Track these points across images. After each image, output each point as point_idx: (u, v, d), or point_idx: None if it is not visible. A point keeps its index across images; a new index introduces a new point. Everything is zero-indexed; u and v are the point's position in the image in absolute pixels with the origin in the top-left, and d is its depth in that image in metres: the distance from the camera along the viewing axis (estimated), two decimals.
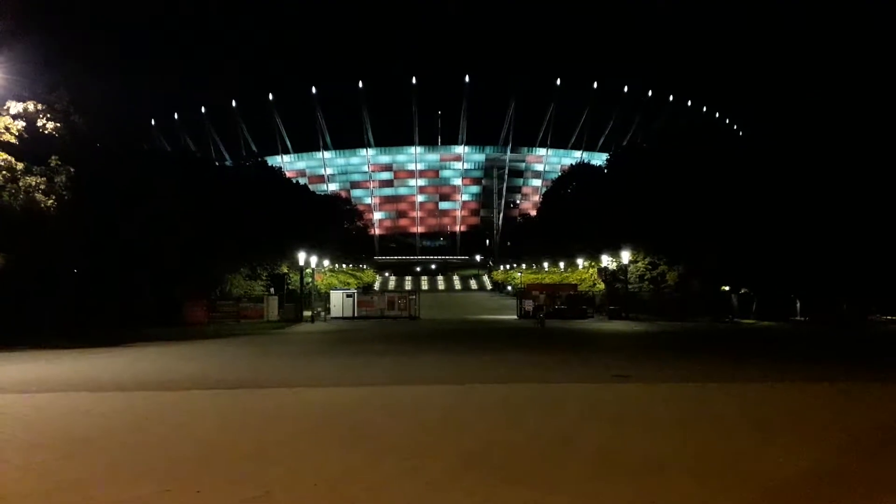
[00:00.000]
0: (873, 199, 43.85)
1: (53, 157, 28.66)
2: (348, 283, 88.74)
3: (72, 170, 28.96)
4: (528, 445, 9.16)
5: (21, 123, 26.29)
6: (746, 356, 24.33)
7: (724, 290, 53.91)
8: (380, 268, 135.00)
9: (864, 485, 7.12)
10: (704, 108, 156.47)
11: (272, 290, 56.49)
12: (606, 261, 60.37)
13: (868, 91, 53.86)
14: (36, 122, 26.90)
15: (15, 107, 26.01)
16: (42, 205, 27.44)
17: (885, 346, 30.31)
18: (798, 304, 52.04)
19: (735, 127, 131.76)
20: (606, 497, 6.67)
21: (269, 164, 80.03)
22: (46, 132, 27.17)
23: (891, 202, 42.88)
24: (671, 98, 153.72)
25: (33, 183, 27.28)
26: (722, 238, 47.89)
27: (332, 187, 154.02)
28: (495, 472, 7.54)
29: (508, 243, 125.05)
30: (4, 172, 26.79)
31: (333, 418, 11.33)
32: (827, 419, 11.20)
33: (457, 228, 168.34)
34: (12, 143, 26.32)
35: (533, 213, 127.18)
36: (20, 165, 27.11)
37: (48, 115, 27.26)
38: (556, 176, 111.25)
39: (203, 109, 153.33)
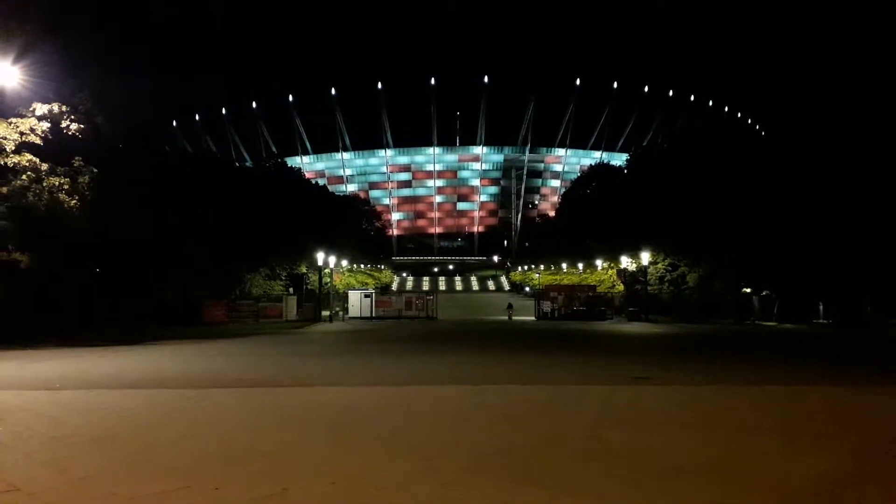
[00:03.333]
0: None
1: (77, 158, 29.11)
2: (366, 284, 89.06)
3: (95, 170, 29.39)
4: (544, 447, 9.13)
5: (46, 125, 26.73)
6: (768, 359, 24.10)
7: (746, 292, 53.37)
8: (397, 268, 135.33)
9: (881, 490, 7.03)
10: (726, 108, 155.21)
11: (291, 289, 56.87)
12: (626, 262, 60.05)
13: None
14: (60, 123, 27.35)
15: (40, 108, 26.47)
16: (66, 205, 27.88)
17: None
18: (821, 307, 51.34)
19: (757, 127, 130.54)
20: (622, 499, 6.63)
21: (289, 165, 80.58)
22: (70, 133, 27.60)
23: None
24: (692, 98, 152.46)
25: (57, 183, 27.72)
26: (743, 239, 47.44)
27: (351, 188, 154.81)
28: (511, 473, 7.54)
29: (526, 244, 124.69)
30: (29, 173, 27.26)
31: (350, 418, 11.38)
32: (847, 424, 11.05)
33: (475, 229, 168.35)
34: (37, 145, 26.77)
35: (551, 213, 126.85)
36: (44, 166, 27.56)
37: (72, 117, 27.70)
38: (576, 176, 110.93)
39: (223, 111, 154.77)
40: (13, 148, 26.58)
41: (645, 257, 53.70)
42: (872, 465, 8.06)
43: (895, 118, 47.86)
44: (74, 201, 28.17)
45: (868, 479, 7.43)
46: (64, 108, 27.35)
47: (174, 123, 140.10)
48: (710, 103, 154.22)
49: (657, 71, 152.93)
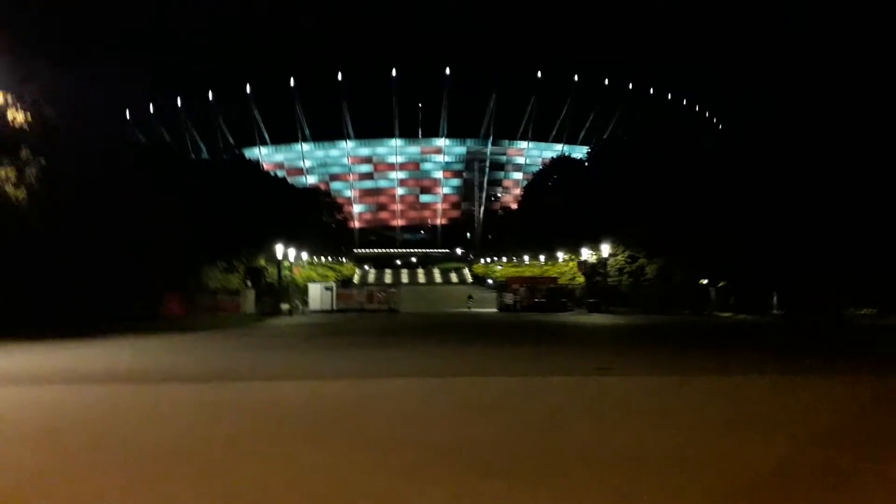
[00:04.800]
0: (849, 192, 44.37)
1: (24, 149, 28.07)
2: (327, 277, 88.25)
3: (43, 161, 28.40)
4: (504, 438, 9.05)
5: None
6: (724, 349, 24.57)
7: (703, 284, 54.40)
8: (360, 261, 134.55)
9: (831, 475, 7.13)
10: (685, 101, 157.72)
11: (249, 283, 56.04)
12: (586, 254, 60.68)
13: (849, 82, 54.49)
14: (6, 114, 26.32)
15: None
16: (13, 198, 26.89)
17: (859, 340, 30.69)
18: (775, 298, 52.59)
19: (715, 120, 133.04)
20: (582, 488, 6.57)
21: (247, 157, 79.28)
22: (17, 124, 26.60)
23: (867, 196, 43.43)
24: (651, 91, 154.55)
25: (3, 175, 26.71)
26: (700, 231, 48.29)
27: (311, 180, 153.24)
28: (471, 465, 7.42)
29: (489, 236, 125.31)
30: None
31: (307, 412, 11.16)
32: (798, 413, 11.25)
33: (437, 221, 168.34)
34: None
35: (514, 206, 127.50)
36: None
37: (18, 106, 26.67)
38: (538, 169, 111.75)
39: (179, 101, 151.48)
40: None
41: (605, 249, 54.30)
42: (826, 453, 8.19)
43: (848, 107, 49.02)
44: (22, 194, 27.19)
45: (822, 466, 7.53)
46: (10, 98, 26.34)
47: (127, 114, 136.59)
48: (669, 97, 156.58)
49: (617, 64, 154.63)
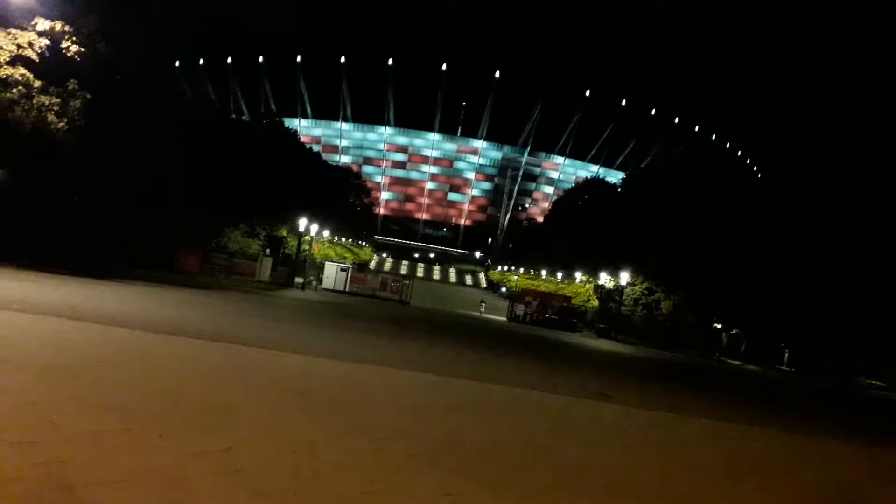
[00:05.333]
0: (879, 265, 43.79)
1: (72, 81, 28.43)
2: (345, 257, 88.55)
3: (88, 96, 28.73)
4: (495, 447, 9.06)
5: (45, 41, 26.07)
6: (729, 396, 24.31)
7: (716, 328, 53.87)
8: (379, 247, 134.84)
9: None
10: (728, 145, 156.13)
11: (268, 251, 56.36)
12: (604, 279, 60.27)
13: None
14: (60, 43, 26.65)
15: (42, 24, 25.76)
16: (53, 126, 27.24)
17: (863, 408, 30.26)
18: (786, 354, 52.02)
19: (755, 168, 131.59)
20: None
21: (286, 126, 79.67)
22: (69, 55, 26.92)
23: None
24: (696, 129, 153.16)
25: (47, 102, 27.06)
26: (721, 275, 47.80)
27: (345, 159, 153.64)
28: (459, 467, 7.44)
29: (510, 245, 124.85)
30: (20, 87, 26.56)
31: (306, 387, 11.23)
32: (794, 469, 11.13)
33: (462, 221, 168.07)
34: (33, 61, 26.11)
35: (540, 219, 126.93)
36: (37, 83, 26.87)
37: (73, 39, 27.00)
38: (570, 186, 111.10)
39: (229, 60, 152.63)
40: (7, 59, 25.91)
41: (624, 277, 53.93)
42: None
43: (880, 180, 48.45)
44: (62, 124, 27.54)
45: None
46: (67, 28, 26.64)
47: (177, 64, 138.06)
48: (714, 137, 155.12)
49: (667, 96, 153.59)
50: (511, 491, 6.87)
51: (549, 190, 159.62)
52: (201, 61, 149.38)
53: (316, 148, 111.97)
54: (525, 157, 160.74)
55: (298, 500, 5.65)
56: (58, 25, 26.12)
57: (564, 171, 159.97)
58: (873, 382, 50.81)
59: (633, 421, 13.53)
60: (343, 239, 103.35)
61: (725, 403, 20.93)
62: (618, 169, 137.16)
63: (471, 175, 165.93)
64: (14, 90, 26.46)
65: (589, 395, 16.10)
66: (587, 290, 71.82)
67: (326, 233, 78.61)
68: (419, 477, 6.85)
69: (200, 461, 6.15)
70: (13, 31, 25.57)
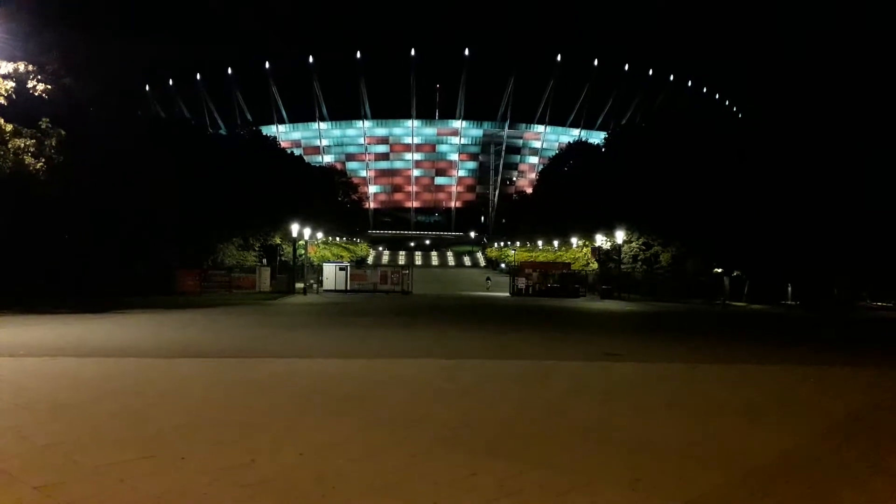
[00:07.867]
0: (867, 185, 43.92)
1: (44, 120, 28.25)
2: (341, 257, 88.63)
3: (63, 133, 28.57)
4: (514, 420, 9.16)
5: (11, 84, 25.84)
6: (736, 338, 24.50)
7: (717, 273, 54.15)
8: (374, 242, 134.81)
9: (840, 468, 7.17)
10: (704, 89, 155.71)
11: (265, 260, 56.39)
12: (600, 240, 60.41)
13: (866, 74, 53.77)
14: (26, 83, 26.42)
15: (5, 66, 25.53)
16: (31, 167, 27.10)
17: (872, 332, 30.52)
18: (789, 289, 52.29)
19: (735, 108, 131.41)
20: (589, 472, 6.66)
21: (264, 134, 79.38)
22: (37, 94, 26.70)
23: (885, 190, 42.98)
24: (671, 77, 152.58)
25: (21, 145, 26.89)
26: (716, 220, 47.96)
27: (328, 159, 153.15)
28: (481, 446, 7.53)
29: (504, 220, 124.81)
30: None
31: (320, 389, 11.31)
32: (811, 402, 11.27)
33: (452, 204, 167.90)
34: (2, 105, 25.91)
35: (529, 190, 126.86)
36: (9, 127, 26.69)
37: (39, 77, 26.76)
38: (554, 154, 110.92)
39: (198, 76, 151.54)
40: None
41: (619, 236, 54.07)
42: (832, 443, 8.23)
43: (868, 111, 48.45)
44: (41, 164, 27.39)
45: (828, 457, 7.56)
46: (31, 68, 26.37)
47: (147, 88, 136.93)
48: (689, 84, 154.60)
49: (638, 49, 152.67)
50: (535, 461, 6.96)
51: (535, 160, 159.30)
52: (171, 82, 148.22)
53: (297, 151, 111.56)
54: (506, 131, 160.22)
55: (326, 501, 5.73)
56: (21, 66, 25.88)
57: (547, 139, 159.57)
58: (878, 304, 51.18)
59: (646, 376, 13.65)
60: (337, 239, 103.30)
61: (734, 346, 21.10)
62: (599, 129, 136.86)
63: (454, 157, 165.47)
64: None
65: (600, 357, 16.23)
66: (585, 253, 71.99)
67: (320, 235, 78.58)
68: (443, 461, 6.94)
69: (225, 476, 6.22)
70: None
